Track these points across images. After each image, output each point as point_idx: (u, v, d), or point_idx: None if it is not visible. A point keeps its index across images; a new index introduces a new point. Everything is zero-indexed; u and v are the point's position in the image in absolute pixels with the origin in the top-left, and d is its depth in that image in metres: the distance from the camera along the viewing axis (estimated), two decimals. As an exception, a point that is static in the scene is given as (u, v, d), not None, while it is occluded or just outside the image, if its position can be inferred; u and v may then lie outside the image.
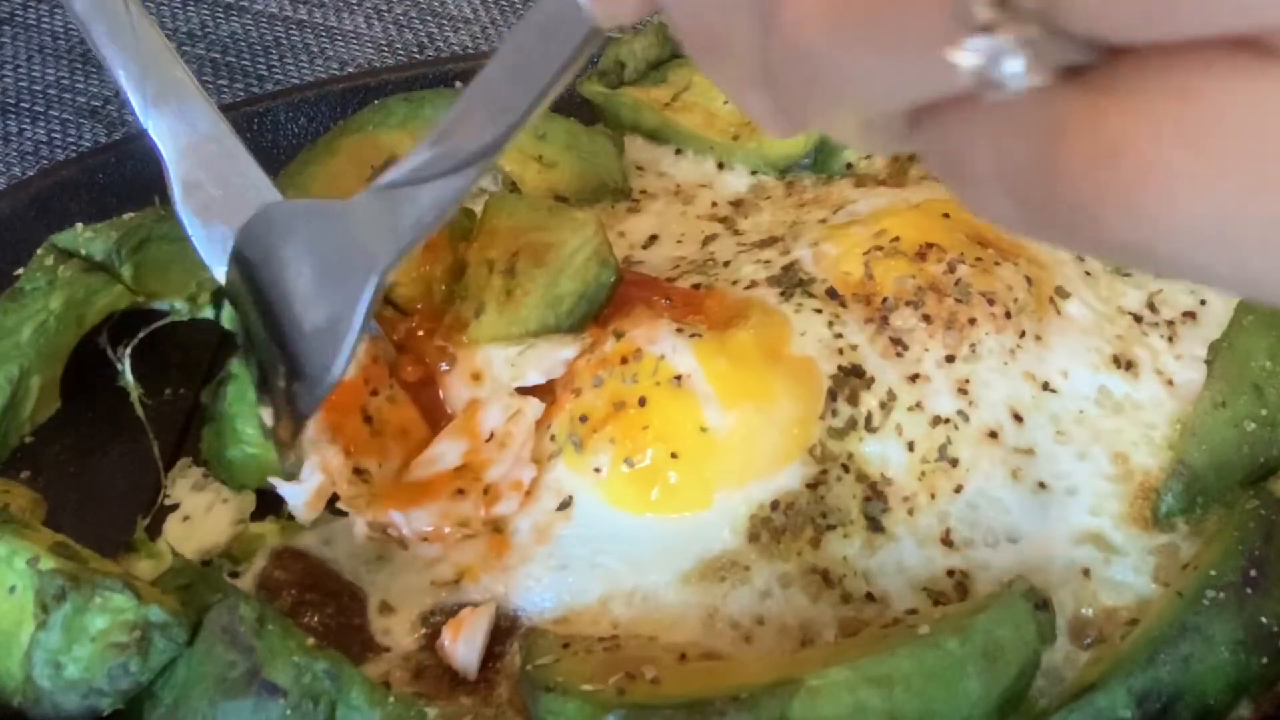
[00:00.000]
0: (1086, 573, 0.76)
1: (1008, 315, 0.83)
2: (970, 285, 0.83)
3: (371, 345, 0.78)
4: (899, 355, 0.81)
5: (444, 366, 0.81)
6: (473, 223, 0.86)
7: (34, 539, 0.69)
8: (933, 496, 0.78)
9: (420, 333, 0.83)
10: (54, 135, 1.20)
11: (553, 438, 0.79)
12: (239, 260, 0.66)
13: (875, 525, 0.77)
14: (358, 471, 0.76)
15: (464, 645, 0.71)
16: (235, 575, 0.77)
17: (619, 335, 0.80)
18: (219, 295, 0.92)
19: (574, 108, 1.02)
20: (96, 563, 0.70)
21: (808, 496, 0.76)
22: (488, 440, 0.78)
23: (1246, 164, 0.29)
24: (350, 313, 0.61)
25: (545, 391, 0.81)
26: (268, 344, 0.66)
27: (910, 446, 0.79)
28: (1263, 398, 0.79)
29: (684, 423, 0.76)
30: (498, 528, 0.77)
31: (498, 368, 0.80)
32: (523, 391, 0.79)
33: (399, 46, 1.33)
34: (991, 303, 0.83)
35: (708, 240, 0.95)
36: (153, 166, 0.97)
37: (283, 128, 1.04)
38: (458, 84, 1.02)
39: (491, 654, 0.72)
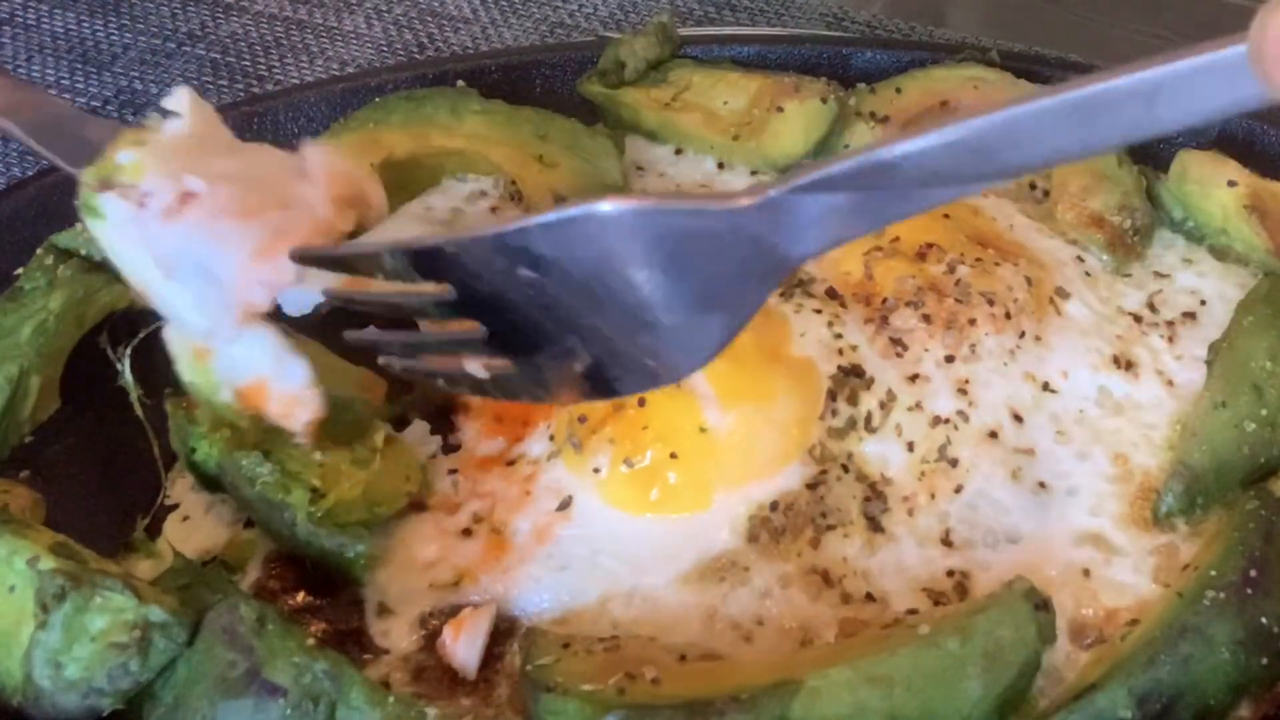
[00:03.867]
0: (1086, 573, 0.76)
1: (1008, 315, 0.83)
2: (970, 285, 0.83)
3: None
4: (899, 355, 0.81)
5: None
6: None
7: (34, 539, 0.69)
8: (933, 497, 0.78)
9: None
10: (54, 135, 1.19)
11: (552, 438, 0.79)
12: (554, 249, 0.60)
13: (875, 525, 0.77)
14: None
15: (464, 645, 0.71)
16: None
17: (619, 335, 0.80)
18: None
19: (574, 108, 1.03)
20: (96, 562, 0.70)
21: (807, 497, 0.76)
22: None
23: None
24: (737, 314, 0.59)
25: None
26: (559, 331, 0.62)
27: (910, 447, 0.79)
28: (1263, 398, 0.79)
29: (683, 423, 0.76)
30: (496, 530, 0.77)
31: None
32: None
33: (399, 46, 1.33)
34: (991, 303, 0.83)
35: (708, 240, 0.95)
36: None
37: (283, 128, 1.04)
38: (459, 83, 1.02)
39: (491, 654, 0.72)
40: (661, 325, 0.60)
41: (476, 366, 0.65)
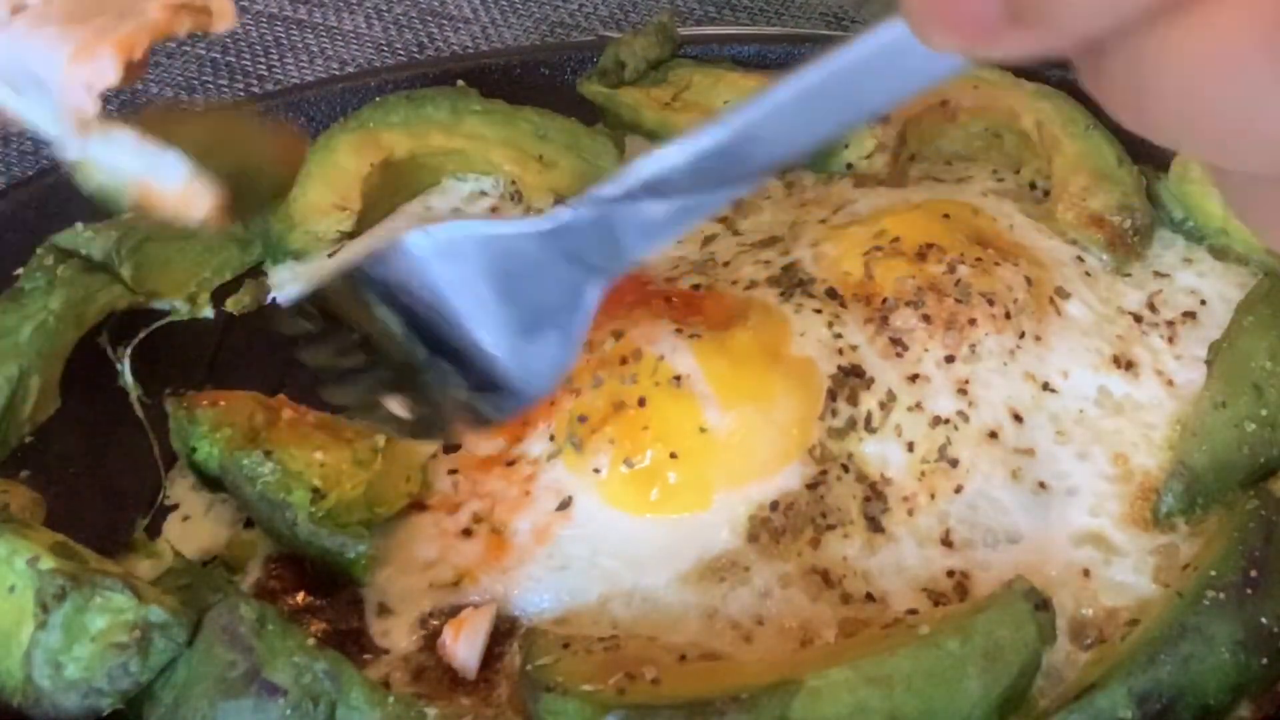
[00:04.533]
0: (1086, 573, 0.76)
1: (1007, 315, 0.83)
2: (970, 285, 0.83)
3: None
4: (899, 355, 0.81)
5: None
6: None
7: (34, 539, 0.69)
8: (932, 497, 0.78)
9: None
10: (54, 135, 1.19)
11: (552, 438, 0.79)
12: (399, 280, 0.63)
13: (875, 525, 0.77)
14: None
15: (465, 645, 0.71)
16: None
17: (618, 335, 0.80)
18: (219, 295, 0.93)
19: (574, 108, 1.03)
20: (96, 563, 0.70)
21: (807, 497, 0.76)
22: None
23: None
24: (567, 329, 0.60)
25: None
26: (431, 358, 0.64)
27: (910, 447, 0.79)
28: (1263, 398, 0.79)
29: (683, 423, 0.76)
30: (496, 530, 0.77)
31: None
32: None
33: (399, 46, 1.33)
34: (991, 303, 0.83)
35: (708, 240, 0.95)
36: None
37: (283, 128, 1.04)
38: (459, 83, 1.02)
39: (491, 654, 0.72)
40: (507, 343, 0.62)
41: (397, 405, 0.66)
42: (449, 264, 0.61)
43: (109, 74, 0.68)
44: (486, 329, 0.61)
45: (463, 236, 0.60)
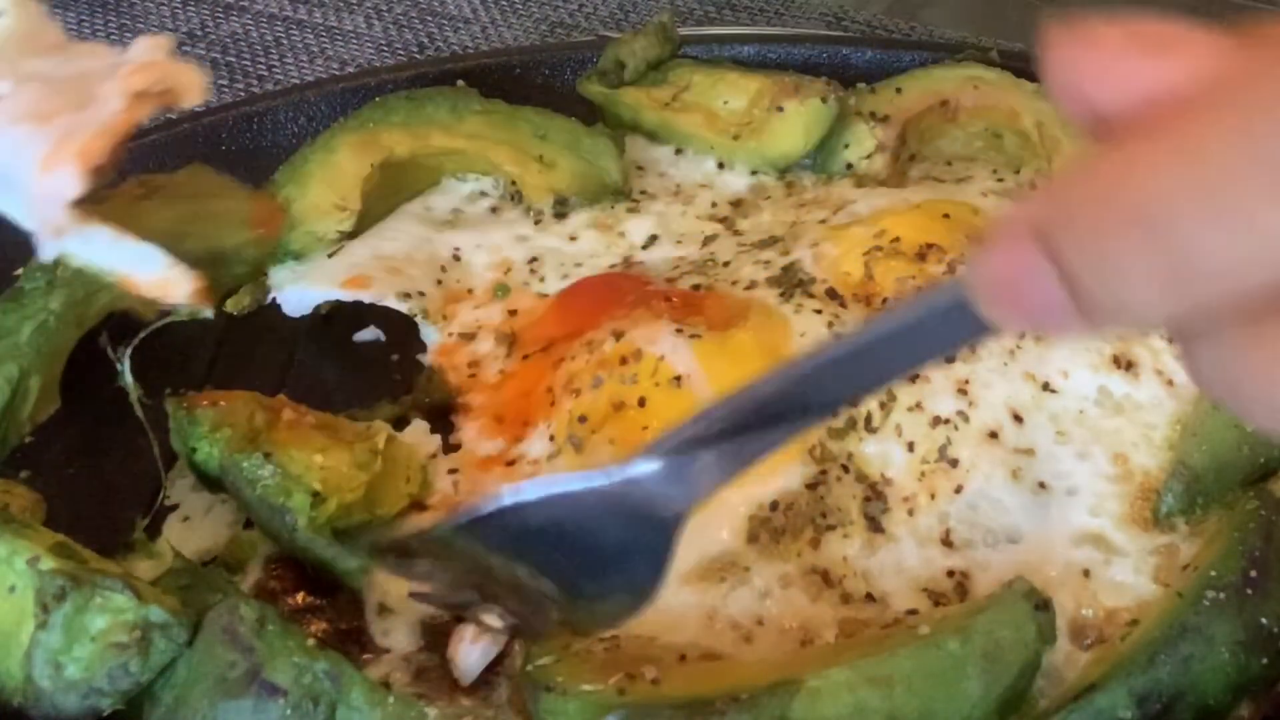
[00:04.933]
0: (1086, 573, 0.76)
1: (1008, 315, 0.83)
2: (970, 285, 0.83)
3: None
4: (899, 355, 0.81)
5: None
6: None
7: (34, 539, 0.69)
8: (933, 497, 0.78)
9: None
10: (54, 135, 1.19)
11: (552, 438, 0.79)
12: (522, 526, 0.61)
13: (875, 526, 0.77)
14: None
15: (470, 651, 0.71)
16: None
17: (619, 336, 0.80)
18: (220, 296, 0.93)
19: (574, 108, 1.03)
20: (96, 563, 0.70)
21: (807, 497, 0.76)
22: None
23: None
24: (653, 570, 0.60)
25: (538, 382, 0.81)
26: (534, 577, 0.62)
27: (910, 447, 0.79)
28: (1263, 398, 0.79)
29: (684, 423, 0.76)
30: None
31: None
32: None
33: (399, 46, 1.33)
34: (992, 303, 0.83)
35: (708, 240, 0.95)
36: (152, 166, 0.97)
37: (283, 128, 1.04)
38: (459, 83, 1.02)
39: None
40: (590, 582, 0.61)
41: (493, 618, 0.65)
42: (529, 525, 0.59)
43: (73, 187, 0.68)
44: (568, 570, 0.61)
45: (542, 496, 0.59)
